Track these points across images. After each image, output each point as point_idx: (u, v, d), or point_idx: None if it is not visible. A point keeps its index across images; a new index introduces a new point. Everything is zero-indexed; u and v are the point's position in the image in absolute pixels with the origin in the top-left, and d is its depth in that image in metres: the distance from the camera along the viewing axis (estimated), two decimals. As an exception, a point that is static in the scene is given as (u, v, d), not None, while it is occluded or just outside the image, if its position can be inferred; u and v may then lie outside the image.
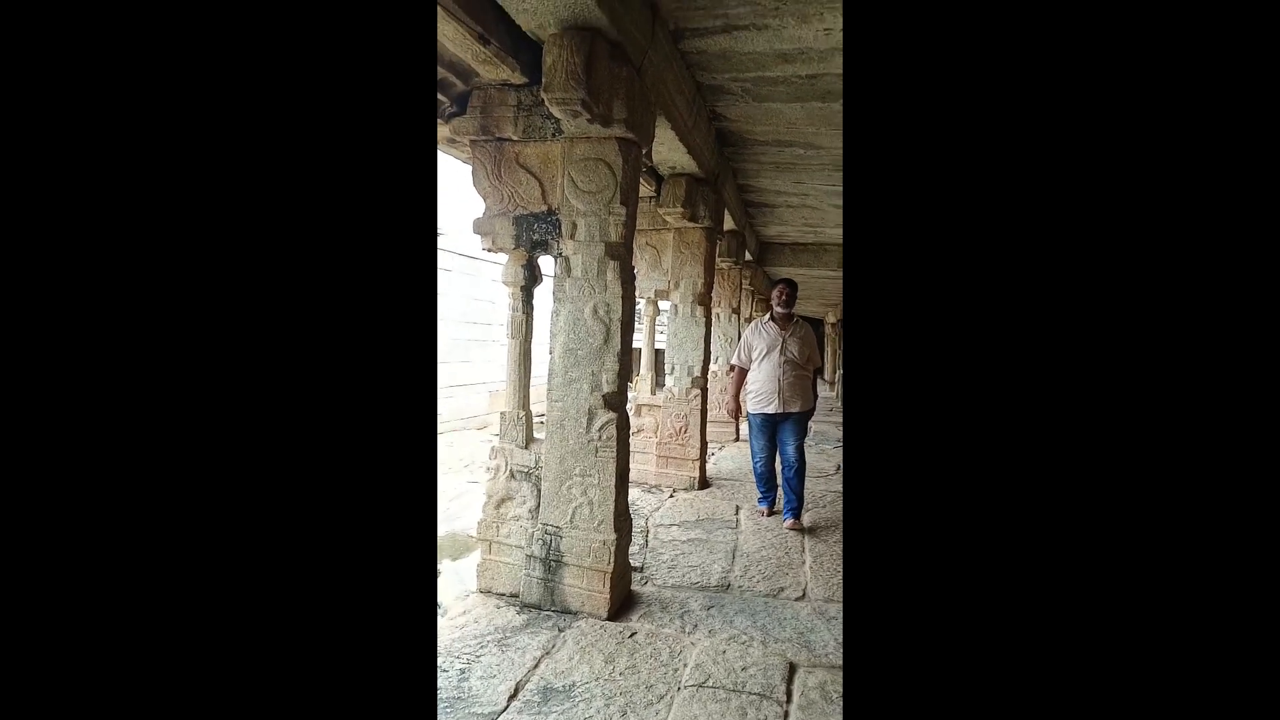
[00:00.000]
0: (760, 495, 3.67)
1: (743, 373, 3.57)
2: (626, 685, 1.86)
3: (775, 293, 3.47)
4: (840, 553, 3.09)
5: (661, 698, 1.81)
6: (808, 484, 3.68)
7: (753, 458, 3.61)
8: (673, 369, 4.33)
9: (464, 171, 2.58)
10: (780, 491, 3.57)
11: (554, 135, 2.31)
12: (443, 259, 9.86)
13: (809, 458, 3.78)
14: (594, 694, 1.81)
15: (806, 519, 3.53)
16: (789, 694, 1.87)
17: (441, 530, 5.76)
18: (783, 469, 3.49)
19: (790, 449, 3.42)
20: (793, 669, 2.00)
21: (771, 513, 3.61)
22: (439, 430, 9.85)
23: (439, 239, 10.07)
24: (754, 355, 3.46)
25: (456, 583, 4.57)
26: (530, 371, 2.59)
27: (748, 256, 6.48)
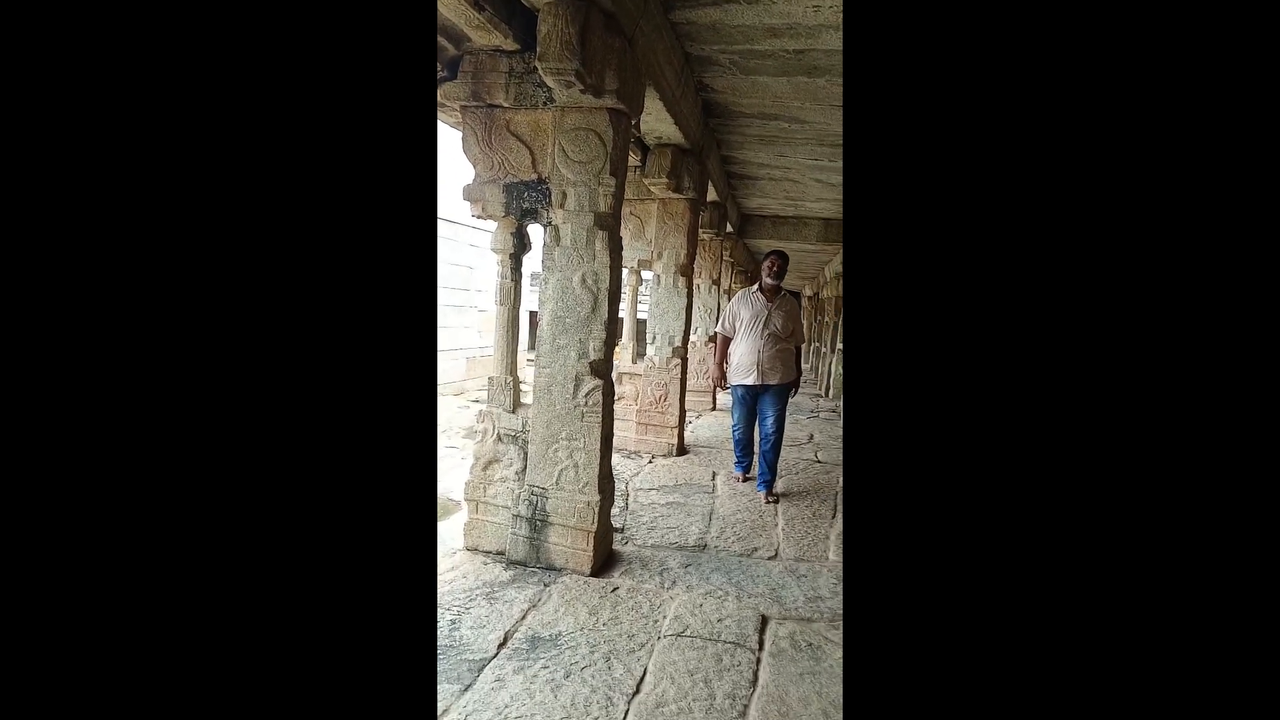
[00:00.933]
0: (736, 459, 3.76)
1: (726, 341, 3.59)
2: (610, 635, 1.98)
3: (766, 264, 3.47)
4: (810, 516, 3.25)
5: (643, 645, 1.93)
6: (781, 452, 3.72)
7: (732, 427, 3.71)
8: (654, 338, 4.41)
9: (449, 136, 2.58)
10: (756, 460, 3.65)
11: (545, 103, 2.32)
12: (420, 222, 9.70)
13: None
14: (579, 642, 1.93)
15: (779, 485, 3.67)
16: (761, 643, 2.00)
17: (421, 493, 5.83)
18: (760, 440, 3.53)
19: (769, 421, 3.45)
20: (765, 621, 2.14)
21: (746, 478, 3.73)
22: (416, 395, 9.82)
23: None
24: (738, 325, 3.48)
25: (439, 544, 4.67)
26: (518, 338, 2.64)
27: (729, 228, 6.52)
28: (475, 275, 11.32)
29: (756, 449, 3.63)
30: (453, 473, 6.39)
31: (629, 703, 1.65)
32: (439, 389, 10.43)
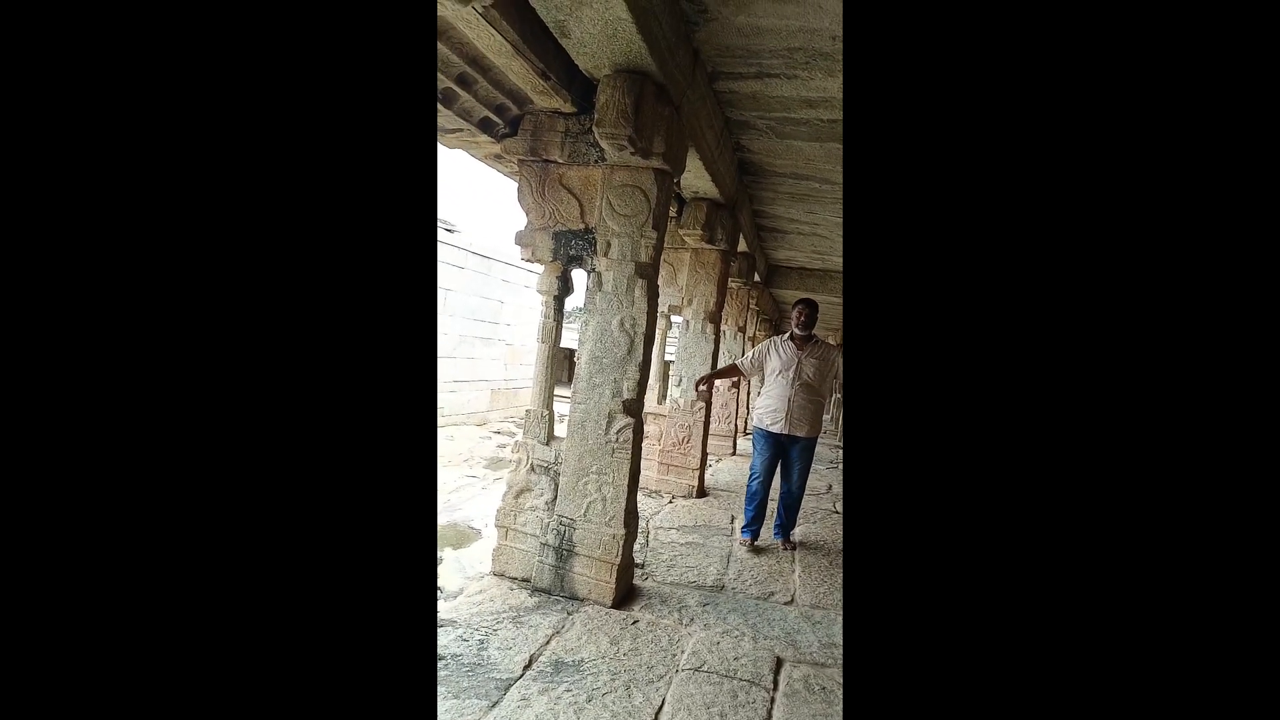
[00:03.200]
0: (745, 523, 3.46)
1: (735, 370, 3.68)
2: (630, 664, 2.06)
3: (795, 313, 3.36)
4: (827, 565, 3.29)
5: (661, 677, 2.01)
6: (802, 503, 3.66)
7: (750, 475, 3.44)
8: (680, 381, 4.54)
9: (502, 184, 2.81)
10: (768, 522, 3.51)
11: (596, 161, 2.53)
12: (455, 255, 10.09)
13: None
14: (600, 669, 2.01)
15: (797, 534, 3.71)
16: (775, 683, 2.06)
17: (443, 520, 5.94)
18: (780, 493, 3.45)
19: (794, 476, 3.36)
20: (779, 662, 2.20)
21: (754, 546, 3.41)
22: (440, 424, 10.03)
23: (451, 234, 10.29)
24: (765, 370, 3.39)
25: (458, 570, 4.75)
26: (556, 374, 2.79)
27: (756, 278, 6.71)
28: (504, 310, 11.63)
29: (770, 505, 3.49)
30: (473, 502, 6.51)
31: (648, 729, 1.73)
32: (463, 418, 10.63)
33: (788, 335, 3.42)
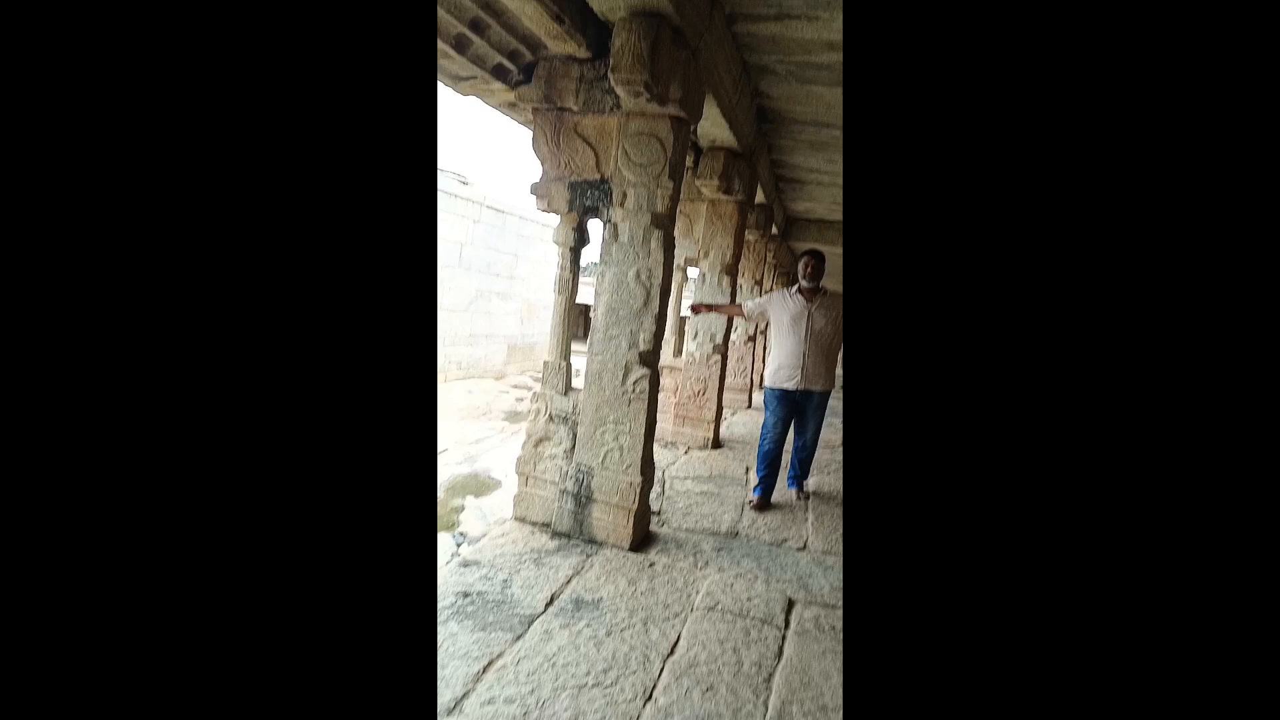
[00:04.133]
0: (757, 481, 3.37)
1: (737, 311, 3.64)
2: (647, 603, 2.15)
3: (801, 264, 3.26)
4: (839, 514, 3.36)
5: (677, 615, 2.10)
6: (815, 453, 3.64)
7: (761, 434, 3.35)
8: (695, 334, 4.55)
9: (517, 132, 2.77)
10: (780, 479, 3.47)
11: (612, 109, 2.49)
12: (469, 209, 10.02)
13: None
14: (619, 607, 2.10)
15: (811, 484, 3.77)
16: (787, 622, 2.15)
17: (464, 470, 6.11)
18: (793, 445, 3.45)
19: (808, 433, 3.35)
20: (791, 603, 2.28)
21: (763, 505, 3.30)
22: (458, 378, 10.18)
23: (465, 187, 10.19)
24: (773, 323, 3.31)
25: (479, 517, 4.93)
26: (574, 326, 2.82)
27: (774, 230, 6.61)
28: (520, 264, 11.60)
29: (785, 465, 3.46)
30: (492, 453, 6.68)
31: (664, 661, 1.82)
32: (481, 372, 10.77)
33: (795, 288, 3.30)
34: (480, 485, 5.73)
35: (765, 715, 1.64)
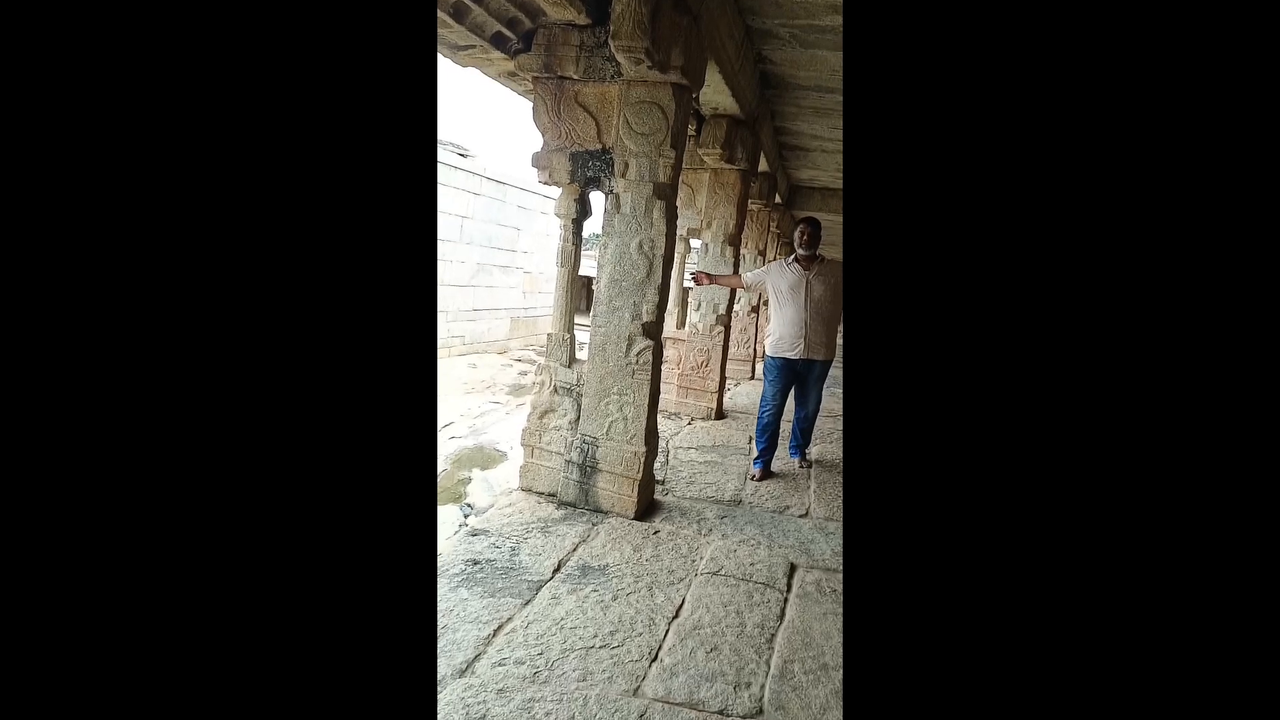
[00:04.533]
0: (757, 454, 3.38)
1: (738, 282, 3.72)
2: (652, 569, 2.20)
3: (797, 232, 3.21)
4: (840, 480, 3.40)
5: (681, 579, 2.15)
6: (816, 422, 3.65)
7: (761, 405, 3.33)
8: (699, 306, 4.55)
9: (515, 102, 2.73)
10: (782, 446, 3.47)
11: (613, 77, 2.46)
12: (470, 181, 9.93)
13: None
14: (625, 573, 2.15)
15: (813, 451, 3.81)
16: (789, 585, 2.20)
17: (469, 443, 6.18)
18: (795, 415, 3.46)
19: (811, 403, 3.35)
20: (793, 568, 2.33)
21: (765, 476, 3.31)
22: (462, 353, 10.22)
23: (465, 159, 10.09)
24: (771, 294, 3.27)
25: (486, 489, 5.01)
26: (577, 298, 2.83)
27: (778, 199, 6.55)
28: (521, 237, 11.54)
29: (785, 435, 3.47)
30: (497, 426, 6.75)
31: (669, 624, 1.87)
32: (484, 346, 10.80)
33: (792, 257, 3.26)
34: (486, 458, 5.80)
35: (768, 674, 1.69)
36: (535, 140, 2.65)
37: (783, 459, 3.62)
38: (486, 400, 7.98)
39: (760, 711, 1.55)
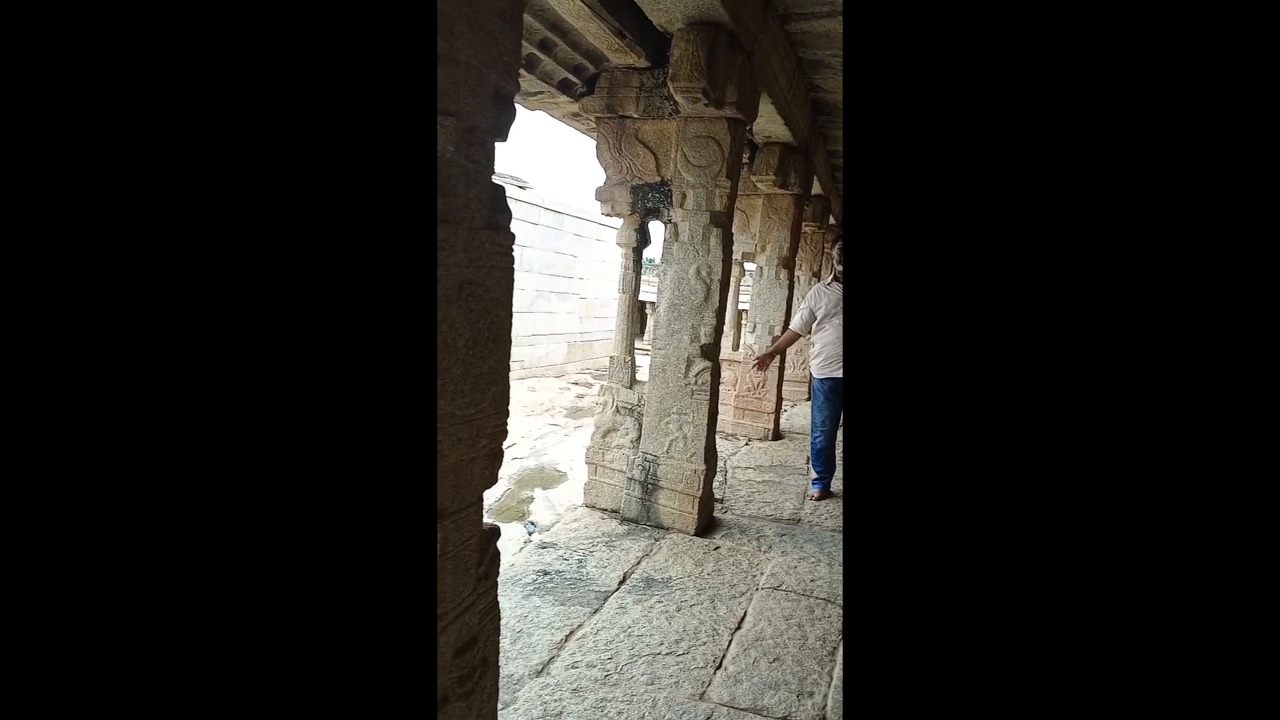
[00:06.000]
0: (815, 476, 3.36)
1: (794, 336, 3.47)
2: (714, 583, 2.27)
3: (837, 251, 3.20)
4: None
5: (743, 594, 2.21)
6: None
7: (812, 430, 3.31)
8: (754, 327, 4.62)
9: (557, 133, 2.94)
10: (839, 474, 3.40)
11: (671, 114, 2.61)
12: (529, 212, 10.34)
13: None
14: (687, 586, 2.23)
15: None
16: (850, 602, 2.22)
17: (531, 464, 6.38)
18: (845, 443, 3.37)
19: None
20: (854, 586, 2.35)
21: (824, 496, 3.31)
22: (521, 377, 10.54)
23: (524, 191, 10.52)
24: (818, 317, 3.25)
25: (548, 507, 5.16)
26: (638, 324, 2.96)
27: (832, 220, 6.57)
28: (578, 264, 11.88)
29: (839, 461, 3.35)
30: (556, 447, 6.94)
31: (732, 634, 1.94)
32: (543, 370, 11.10)
33: (831, 278, 3.29)
34: (546, 478, 5.97)
35: (830, 684, 1.73)
36: (590, 171, 2.85)
37: (837, 483, 3.60)
38: (546, 422, 8.19)
39: (823, 719, 1.60)
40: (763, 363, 3.62)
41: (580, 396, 9.90)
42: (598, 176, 2.89)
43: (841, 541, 2.78)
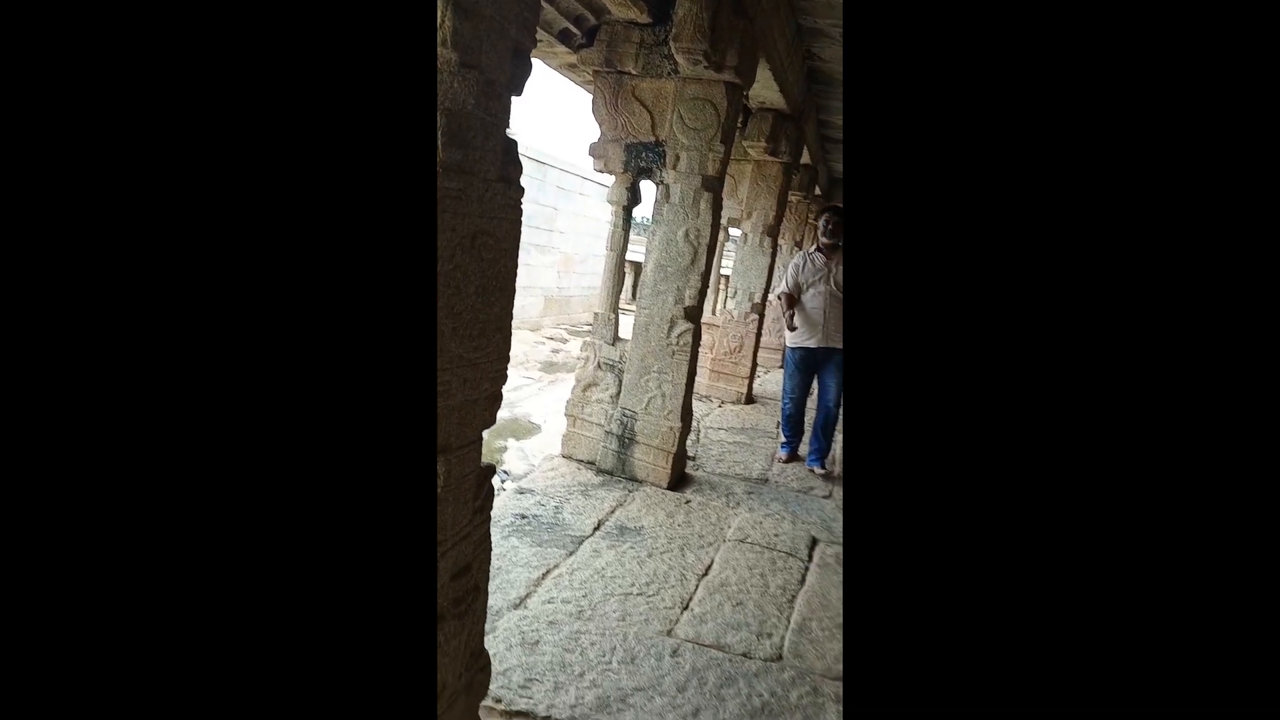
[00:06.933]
0: (784, 440, 3.49)
1: (791, 299, 3.29)
2: (684, 533, 2.40)
3: (823, 221, 3.21)
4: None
5: (710, 544, 2.34)
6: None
7: (783, 397, 3.43)
8: (735, 293, 4.70)
9: (541, 80, 2.87)
10: (806, 439, 3.45)
11: (669, 74, 2.61)
12: (512, 161, 10.09)
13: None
14: (659, 535, 2.35)
15: (835, 465, 3.45)
16: (810, 556, 2.37)
17: (505, 414, 6.44)
18: (817, 412, 3.35)
19: (831, 392, 3.26)
20: (814, 541, 2.51)
21: (791, 459, 3.44)
22: (498, 327, 10.45)
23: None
24: (802, 287, 3.25)
25: (521, 457, 5.26)
26: (624, 281, 3.00)
27: (817, 190, 6.61)
28: (559, 217, 11.72)
29: (808, 427, 3.43)
30: (530, 400, 7.01)
31: (699, 580, 2.07)
32: (517, 324, 11.06)
33: (815, 246, 3.30)
34: (520, 429, 6.06)
35: (788, 628, 1.88)
36: (575, 123, 2.89)
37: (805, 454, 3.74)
38: (520, 376, 8.23)
39: (780, 657, 1.74)
40: (790, 317, 3.33)
41: (555, 351, 9.92)
42: (583, 128, 2.88)
43: (804, 502, 2.93)
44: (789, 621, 1.91)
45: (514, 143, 1.07)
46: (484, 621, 1.24)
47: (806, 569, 2.27)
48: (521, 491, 2.59)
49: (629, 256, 4.44)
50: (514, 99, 1.06)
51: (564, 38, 2.66)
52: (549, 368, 8.99)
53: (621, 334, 3.04)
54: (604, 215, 12.12)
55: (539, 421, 6.22)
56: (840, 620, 1.95)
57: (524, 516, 2.36)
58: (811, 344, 3.26)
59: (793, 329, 3.31)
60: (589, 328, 2.93)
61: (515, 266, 1.12)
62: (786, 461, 3.45)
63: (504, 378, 1.15)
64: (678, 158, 2.63)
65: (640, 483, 2.83)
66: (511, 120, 1.05)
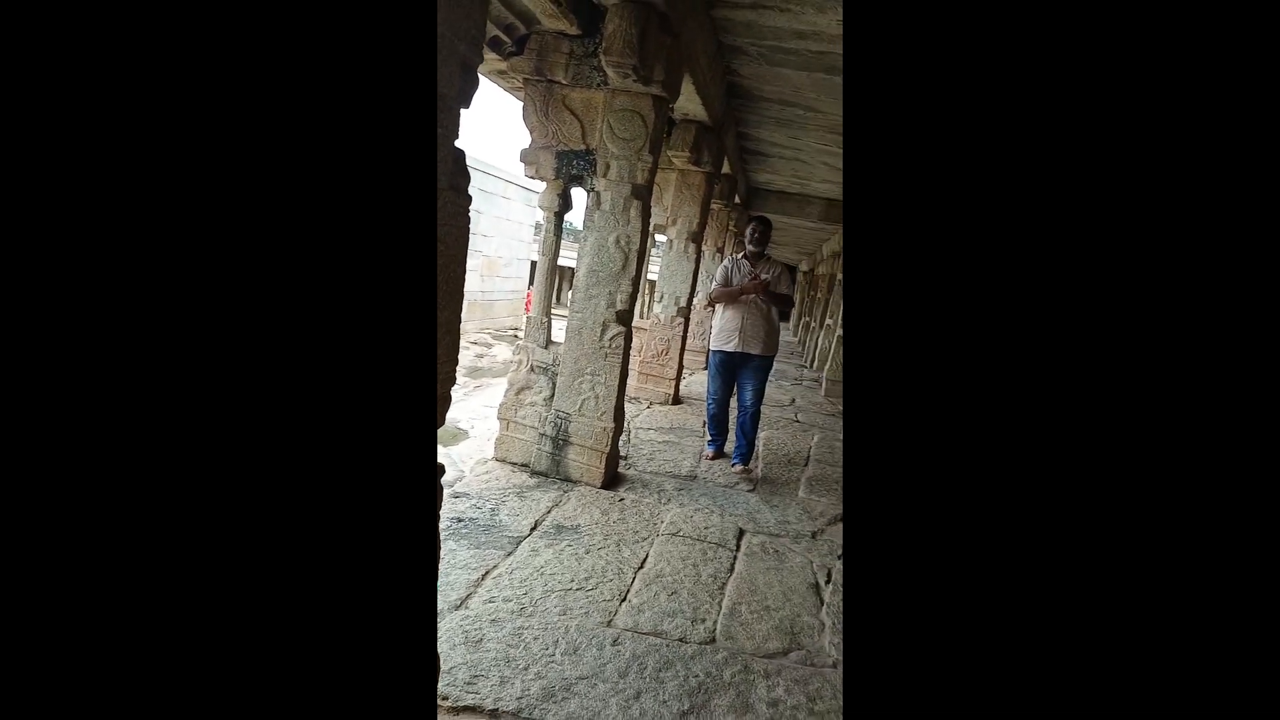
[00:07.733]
0: (709, 439, 3.63)
1: (728, 293, 3.32)
2: (619, 529, 2.47)
3: (749, 230, 3.35)
4: (785, 461, 3.75)
5: (645, 539, 2.43)
6: (761, 421, 3.64)
7: (707, 397, 3.55)
8: (661, 298, 4.83)
9: (507, 101, 2.90)
10: (731, 438, 3.56)
11: (599, 85, 2.69)
12: (434, 162, 9.86)
13: (767, 389, 3.62)
14: (595, 532, 2.41)
15: (759, 466, 3.59)
16: (738, 546, 2.51)
17: (430, 421, 6.31)
18: (738, 413, 3.45)
19: (748, 393, 3.38)
20: (742, 533, 2.65)
21: (717, 456, 3.57)
22: (419, 332, 10.16)
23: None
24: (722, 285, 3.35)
25: (450, 463, 5.16)
26: (556, 285, 3.05)
27: (737, 199, 6.88)
28: (481, 220, 11.53)
29: (732, 427, 3.53)
30: (458, 405, 6.87)
31: (635, 573, 2.15)
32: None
33: (742, 254, 3.43)
34: (448, 435, 5.92)
35: (720, 612, 1.99)
36: (501, 128, 2.91)
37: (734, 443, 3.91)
38: (444, 381, 8.05)
39: (713, 640, 1.85)
40: (732, 296, 3.35)
41: (480, 356, 9.75)
42: (509, 133, 2.92)
43: (731, 496, 3.08)
44: (720, 607, 2.03)
45: (463, 153, 1.11)
46: (435, 618, 1.27)
47: (735, 558, 2.40)
48: (456, 495, 2.59)
49: (560, 261, 4.50)
50: (462, 111, 1.11)
51: (494, 45, 2.69)
52: (474, 373, 8.83)
53: (554, 337, 3.08)
54: (527, 219, 12.05)
55: (466, 427, 6.12)
56: (766, 604, 2.08)
57: (460, 520, 2.36)
58: (730, 348, 3.35)
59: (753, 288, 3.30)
60: (514, 332, 2.94)
61: (464, 272, 1.17)
62: (713, 459, 3.59)
63: (453, 379, 1.19)
64: (608, 166, 2.72)
65: (575, 483, 2.88)
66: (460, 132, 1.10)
